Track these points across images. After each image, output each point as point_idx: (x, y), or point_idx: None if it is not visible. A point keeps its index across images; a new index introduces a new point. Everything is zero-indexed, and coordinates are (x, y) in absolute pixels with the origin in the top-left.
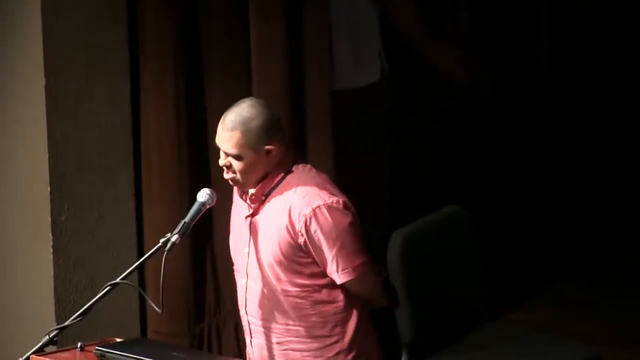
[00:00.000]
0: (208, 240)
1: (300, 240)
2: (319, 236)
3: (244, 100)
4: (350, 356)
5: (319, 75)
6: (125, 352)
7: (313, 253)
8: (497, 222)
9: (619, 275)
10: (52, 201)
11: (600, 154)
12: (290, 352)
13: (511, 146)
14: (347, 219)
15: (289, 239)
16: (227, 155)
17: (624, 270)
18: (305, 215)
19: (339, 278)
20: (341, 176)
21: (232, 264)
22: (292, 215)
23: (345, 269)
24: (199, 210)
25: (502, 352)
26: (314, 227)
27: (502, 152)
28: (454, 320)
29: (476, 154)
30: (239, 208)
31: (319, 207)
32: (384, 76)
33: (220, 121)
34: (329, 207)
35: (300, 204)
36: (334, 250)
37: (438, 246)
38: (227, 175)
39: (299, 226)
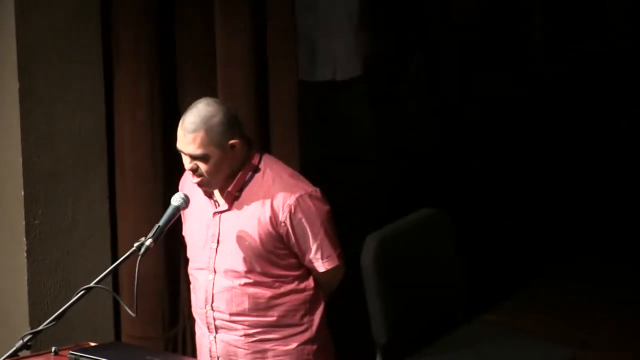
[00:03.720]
0: (182, 244)
1: (282, 230)
2: (304, 224)
3: (198, 101)
4: (315, 346)
5: (285, 74)
6: (99, 356)
7: (294, 243)
8: (473, 225)
9: (593, 277)
10: (26, 205)
11: (576, 157)
12: (259, 343)
13: (488, 149)
14: (326, 207)
15: (270, 229)
16: (192, 158)
17: (598, 272)
18: (290, 205)
19: (323, 265)
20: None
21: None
22: (275, 206)
23: (330, 256)
24: (173, 214)
25: (477, 353)
26: (299, 215)
27: (479, 155)
28: (428, 322)
29: (452, 157)
30: (199, 206)
31: (301, 196)
32: (366, 70)
33: (180, 126)
34: (311, 196)
35: (283, 194)
36: (319, 238)
37: (413, 249)
38: (194, 180)
39: (283, 216)
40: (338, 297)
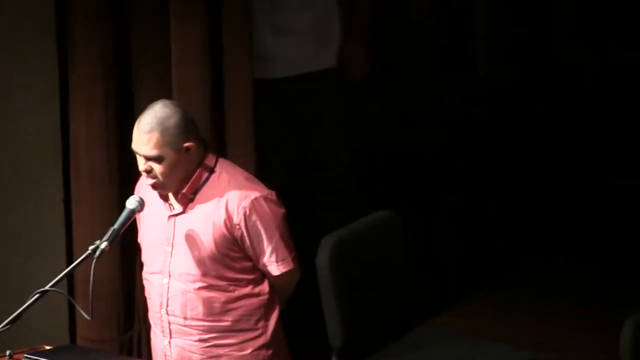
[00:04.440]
0: (137, 247)
1: (237, 233)
2: (258, 227)
3: (155, 102)
4: (270, 351)
5: (240, 74)
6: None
7: (249, 246)
8: (427, 227)
9: (547, 278)
10: None
11: (533, 157)
12: (214, 348)
13: (442, 150)
14: (281, 210)
15: (225, 232)
16: (147, 159)
17: (554, 272)
18: (245, 208)
19: (277, 269)
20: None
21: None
22: (230, 209)
23: (284, 259)
24: (128, 217)
25: (431, 356)
26: (253, 218)
27: (434, 156)
28: (383, 325)
29: (407, 158)
30: (153, 209)
31: (256, 198)
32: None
33: (135, 126)
34: (266, 199)
35: (238, 197)
36: (274, 241)
37: (368, 251)
38: (148, 181)
39: (238, 219)
40: (294, 300)
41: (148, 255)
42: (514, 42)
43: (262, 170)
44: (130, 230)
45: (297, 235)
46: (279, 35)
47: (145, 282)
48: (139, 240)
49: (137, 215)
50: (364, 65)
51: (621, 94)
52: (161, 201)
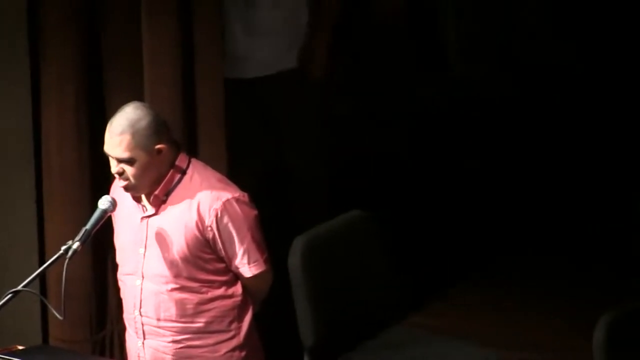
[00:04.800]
0: (109, 247)
1: (209, 235)
2: (230, 229)
3: (127, 104)
4: (244, 352)
5: (211, 74)
6: None
7: (221, 247)
8: (400, 226)
9: (519, 278)
10: None
11: (506, 157)
12: (187, 349)
13: (415, 150)
14: (254, 212)
15: (197, 234)
16: (119, 161)
17: (522, 273)
18: (216, 209)
19: (250, 270)
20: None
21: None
22: (201, 211)
23: (257, 260)
24: (100, 217)
25: (404, 355)
26: (225, 220)
27: (406, 156)
28: (356, 324)
29: (379, 158)
30: (127, 211)
31: (228, 200)
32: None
33: (107, 128)
34: (238, 201)
35: (209, 198)
36: (245, 243)
37: (341, 250)
38: (120, 183)
39: (209, 220)
40: (269, 301)
41: (122, 257)
42: (487, 42)
43: (233, 170)
44: (103, 230)
45: (270, 236)
46: (252, 34)
47: (120, 283)
48: (115, 241)
49: (112, 216)
50: (325, 66)
51: (600, 93)
52: (135, 202)
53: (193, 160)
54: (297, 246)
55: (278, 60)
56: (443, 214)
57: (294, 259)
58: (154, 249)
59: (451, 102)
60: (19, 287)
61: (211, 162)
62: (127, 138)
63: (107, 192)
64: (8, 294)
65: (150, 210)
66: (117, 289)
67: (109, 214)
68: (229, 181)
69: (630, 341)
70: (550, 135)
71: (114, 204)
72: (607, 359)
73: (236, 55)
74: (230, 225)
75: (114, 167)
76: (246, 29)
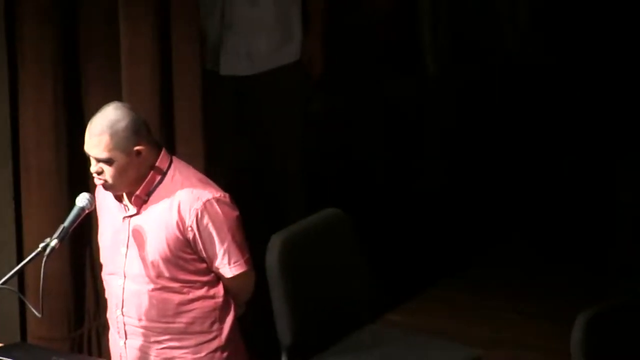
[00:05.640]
0: (87, 245)
1: (190, 235)
2: (210, 230)
3: (107, 105)
4: (225, 354)
5: (189, 72)
6: (5, 357)
7: (201, 248)
8: (376, 224)
9: (498, 276)
10: None
11: (483, 155)
12: (168, 350)
13: (392, 146)
14: (235, 212)
15: (177, 234)
16: (97, 161)
17: (503, 271)
18: (197, 210)
19: (230, 271)
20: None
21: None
22: (182, 211)
23: (237, 261)
24: (78, 215)
25: (382, 353)
26: (205, 220)
27: (382, 156)
28: (333, 322)
29: (356, 158)
30: (110, 210)
31: (209, 200)
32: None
33: (87, 128)
34: (218, 201)
35: (190, 198)
36: (226, 243)
37: (317, 249)
38: (98, 182)
39: (190, 221)
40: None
41: (105, 256)
42: (464, 42)
43: (213, 169)
44: (81, 227)
45: (249, 235)
46: (234, 31)
47: (104, 283)
48: (99, 240)
49: (98, 215)
50: (322, 64)
51: (576, 92)
52: (117, 202)
53: (175, 160)
54: (274, 244)
55: (262, 59)
56: (422, 212)
57: (271, 256)
58: (136, 249)
59: (427, 102)
60: None
61: (189, 160)
62: (105, 139)
63: (86, 190)
64: None
65: (132, 210)
66: (95, 287)
67: (87, 212)
68: (210, 181)
69: (608, 340)
70: (531, 134)
71: (92, 201)
72: (585, 358)
73: (217, 53)
74: (210, 226)
75: (93, 166)
76: (228, 26)
